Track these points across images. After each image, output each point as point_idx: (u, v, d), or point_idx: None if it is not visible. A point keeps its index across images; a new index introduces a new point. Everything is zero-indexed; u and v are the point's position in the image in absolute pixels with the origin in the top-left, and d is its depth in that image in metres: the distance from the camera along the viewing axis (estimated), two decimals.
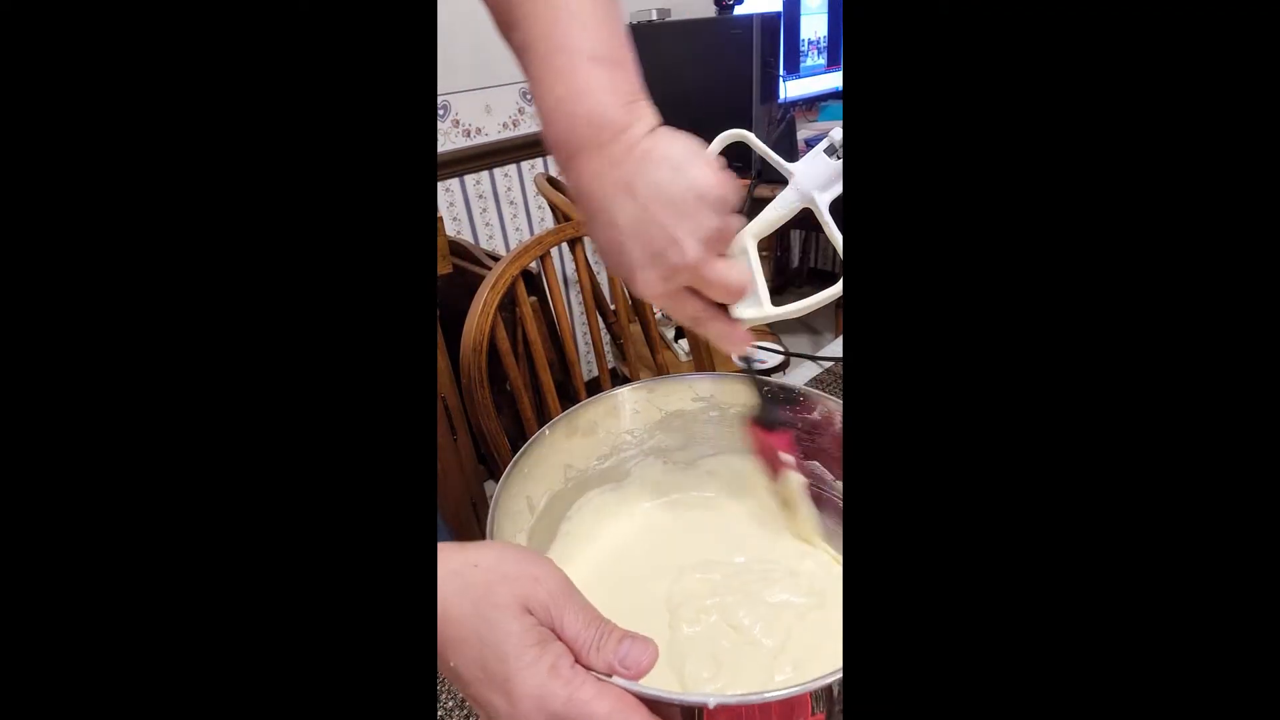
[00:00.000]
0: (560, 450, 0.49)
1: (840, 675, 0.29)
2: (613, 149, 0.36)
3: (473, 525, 1.27)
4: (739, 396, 0.52)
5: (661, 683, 0.29)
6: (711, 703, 0.28)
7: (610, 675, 0.28)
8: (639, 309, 1.08)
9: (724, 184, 0.37)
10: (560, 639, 0.29)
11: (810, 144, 0.56)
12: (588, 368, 2.03)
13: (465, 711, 0.48)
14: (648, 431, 0.53)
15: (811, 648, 0.43)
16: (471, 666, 0.28)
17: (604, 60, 0.36)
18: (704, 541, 0.52)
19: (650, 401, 0.52)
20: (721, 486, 0.56)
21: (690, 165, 0.36)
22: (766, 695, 0.29)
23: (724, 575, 0.48)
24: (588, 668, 0.28)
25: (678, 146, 0.36)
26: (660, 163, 0.36)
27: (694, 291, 0.39)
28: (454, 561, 0.30)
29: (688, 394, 0.53)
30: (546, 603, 0.29)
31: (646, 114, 0.37)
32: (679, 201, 0.36)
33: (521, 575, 0.30)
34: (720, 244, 0.38)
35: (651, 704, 0.29)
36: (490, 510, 0.41)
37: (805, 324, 2.33)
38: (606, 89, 0.36)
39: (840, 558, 0.49)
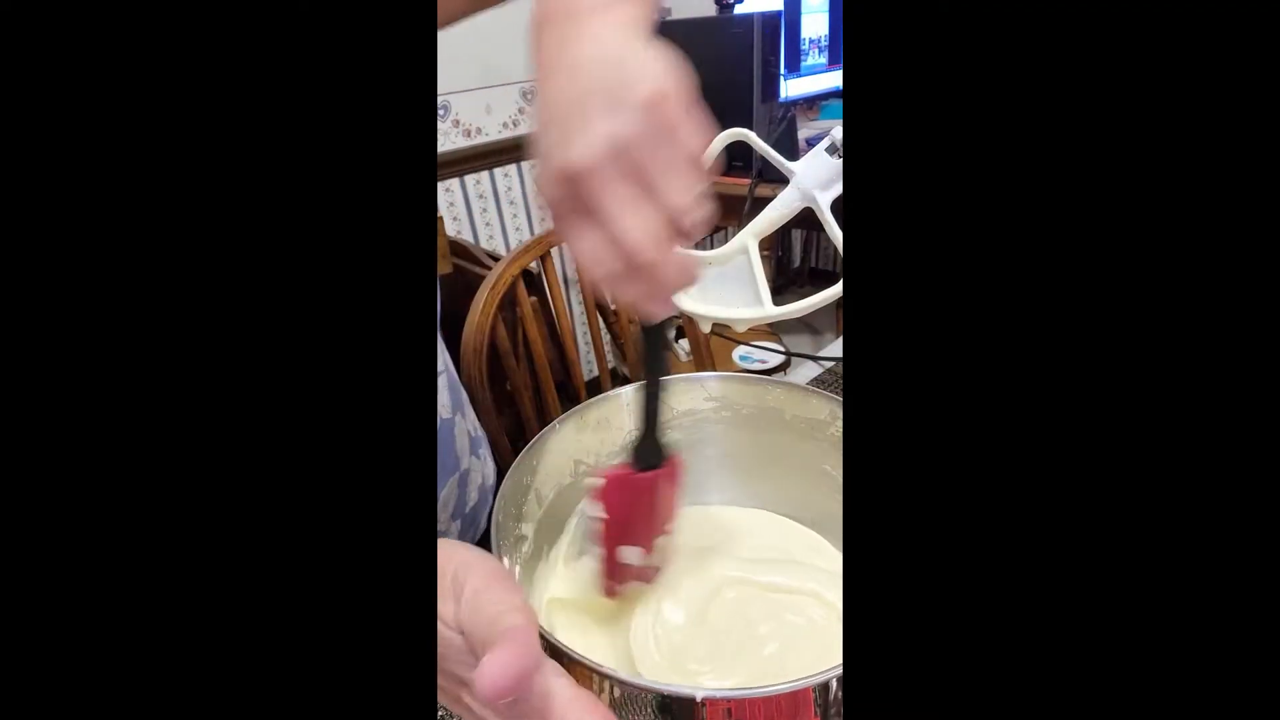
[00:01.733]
0: (570, 444, 0.49)
1: (838, 672, 0.29)
2: (567, 26, 0.30)
3: None
4: (744, 398, 0.52)
5: (664, 677, 0.29)
6: (699, 695, 0.28)
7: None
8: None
9: (670, 83, 0.27)
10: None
11: (811, 143, 0.56)
12: (588, 368, 2.02)
13: None
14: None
15: (825, 646, 0.43)
16: (441, 673, 0.29)
17: None
18: (712, 538, 0.52)
19: (661, 399, 0.53)
20: (732, 485, 0.56)
21: (629, 55, 0.28)
22: (761, 690, 0.29)
23: (731, 571, 0.48)
24: None
25: (618, 32, 0.29)
26: (594, 44, 0.29)
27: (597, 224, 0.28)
28: None
29: (700, 394, 0.53)
30: (455, 612, 0.28)
31: (630, 5, 0.30)
32: (597, 87, 0.27)
33: (440, 589, 0.29)
34: (632, 165, 0.27)
35: (639, 692, 0.29)
36: (496, 500, 0.41)
37: (805, 324, 2.33)
38: None
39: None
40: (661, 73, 0.27)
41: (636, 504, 0.41)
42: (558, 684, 0.27)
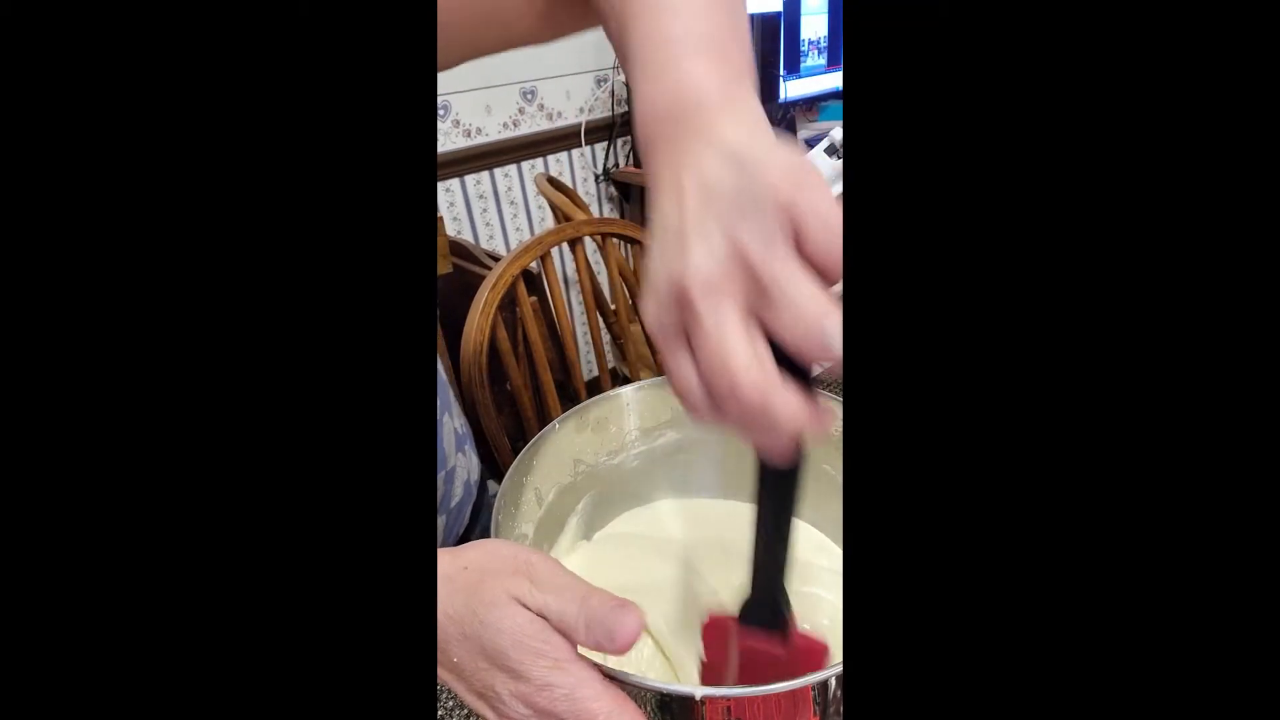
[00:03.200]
0: (569, 444, 0.49)
1: (838, 671, 0.29)
2: (684, 138, 0.27)
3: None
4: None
5: (663, 677, 0.29)
6: (699, 694, 0.29)
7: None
8: (639, 309, 1.08)
9: (813, 190, 0.23)
10: (550, 624, 0.29)
11: (811, 144, 0.56)
12: (588, 368, 2.02)
13: (466, 711, 0.48)
14: (658, 429, 0.53)
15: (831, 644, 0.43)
16: (476, 658, 0.29)
17: (705, 49, 0.29)
18: (713, 538, 0.52)
19: (661, 399, 0.53)
20: (731, 484, 0.56)
21: (763, 161, 0.24)
22: (760, 689, 0.29)
23: (733, 572, 0.48)
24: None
25: (743, 132, 0.26)
26: (718, 148, 0.25)
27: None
28: (446, 567, 0.31)
29: None
30: (532, 591, 0.30)
31: (743, 97, 0.28)
32: (731, 206, 0.24)
33: (503, 570, 0.30)
34: (763, 293, 0.23)
35: (638, 691, 0.29)
36: (496, 500, 0.42)
37: None
38: (703, 72, 0.28)
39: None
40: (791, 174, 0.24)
41: (740, 659, 0.35)
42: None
